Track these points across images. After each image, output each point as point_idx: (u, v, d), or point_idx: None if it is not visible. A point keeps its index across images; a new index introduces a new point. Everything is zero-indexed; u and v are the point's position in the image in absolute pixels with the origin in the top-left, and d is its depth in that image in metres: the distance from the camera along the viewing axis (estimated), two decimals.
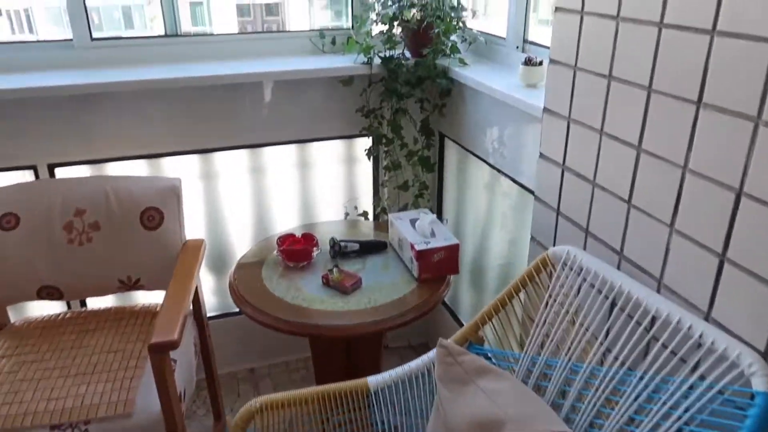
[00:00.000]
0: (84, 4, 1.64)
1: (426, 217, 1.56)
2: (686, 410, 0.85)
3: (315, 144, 1.91)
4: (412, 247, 1.47)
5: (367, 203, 2.04)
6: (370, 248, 1.63)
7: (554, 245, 1.29)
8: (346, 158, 1.97)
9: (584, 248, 1.18)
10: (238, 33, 1.92)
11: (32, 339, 1.54)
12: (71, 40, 1.68)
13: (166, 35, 1.82)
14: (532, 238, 1.37)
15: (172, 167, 1.81)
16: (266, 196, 1.95)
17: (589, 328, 1.03)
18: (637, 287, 0.97)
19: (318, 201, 2.00)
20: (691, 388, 0.85)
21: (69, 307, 1.86)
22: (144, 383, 1.38)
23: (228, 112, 1.75)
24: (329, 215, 2.02)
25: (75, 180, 1.59)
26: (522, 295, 1.19)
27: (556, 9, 1.15)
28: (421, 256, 1.46)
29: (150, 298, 1.78)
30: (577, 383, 1.02)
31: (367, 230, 1.78)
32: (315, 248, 1.58)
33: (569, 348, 1.05)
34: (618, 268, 1.08)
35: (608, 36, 1.03)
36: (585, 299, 1.06)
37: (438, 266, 1.48)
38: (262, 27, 2.30)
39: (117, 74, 1.61)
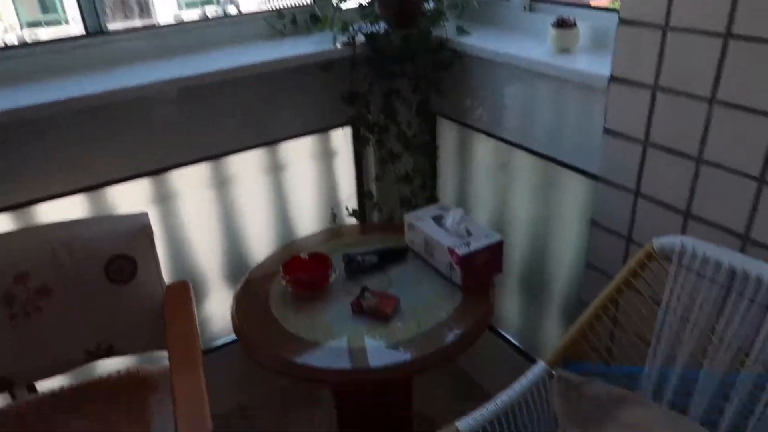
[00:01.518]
0: None
1: (455, 214, 1.35)
2: None
3: (286, 145, 1.62)
4: (452, 252, 1.26)
5: (351, 203, 1.79)
6: (391, 258, 1.39)
7: (631, 232, 1.14)
8: (322, 155, 1.69)
9: (682, 233, 1.03)
10: (178, 24, 1.54)
11: None
12: None
13: (87, 35, 1.42)
14: (595, 224, 1.20)
15: (120, 198, 1.44)
16: (239, 213, 1.64)
17: (736, 335, 0.89)
18: None
19: (298, 208, 1.72)
20: None
21: (13, 398, 1.45)
22: None
23: (181, 122, 1.41)
24: (311, 221, 1.75)
25: (4, 236, 1.20)
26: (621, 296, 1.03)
27: None
28: (465, 261, 1.25)
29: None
30: (736, 397, 0.88)
31: (371, 236, 1.54)
32: (331, 271, 1.32)
33: (714, 356, 0.91)
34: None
35: None
36: (721, 295, 0.91)
37: (483, 269, 1.29)
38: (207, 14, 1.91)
39: (29, 94, 1.21)
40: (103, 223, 1.24)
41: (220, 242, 1.65)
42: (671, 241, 0.96)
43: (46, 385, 1.37)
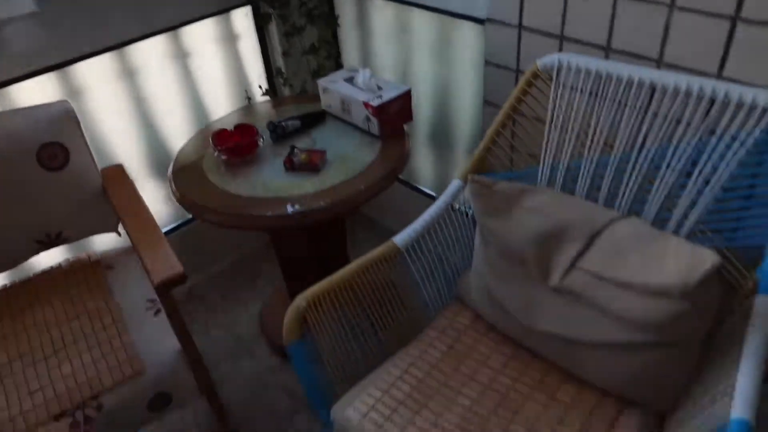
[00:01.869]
0: None
1: (365, 73, 1.47)
2: (714, 168, 0.98)
3: (187, 30, 1.63)
4: (367, 105, 1.40)
5: (262, 82, 1.85)
6: (312, 121, 1.51)
7: (519, 63, 1.32)
8: (227, 38, 1.72)
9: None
10: None
11: None
12: None
13: None
14: (488, 63, 1.38)
15: (24, 96, 1.43)
16: (153, 103, 1.66)
17: (603, 129, 1.10)
18: (644, 71, 1.04)
19: (211, 92, 1.76)
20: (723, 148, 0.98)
21: None
22: (137, 337, 1.20)
23: (71, 11, 1.39)
24: (226, 105, 1.81)
25: None
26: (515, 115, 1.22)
27: None
28: (380, 111, 1.39)
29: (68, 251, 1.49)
30: (608, 175, 1.11)
31: (287, 107, 1.63)
32: (258, 137, 1.42)
33: (590, 148, 1.13)
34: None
35: None
36: (590, 101, 1.12)
37: (396, 118, 1.44)
38: None
39: None
40: (25, 113, 1.26)
41: (140, 134, 1.68)
42: (551, 58, 1.15)
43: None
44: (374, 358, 1.17)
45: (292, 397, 1.60)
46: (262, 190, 1.31)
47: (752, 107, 0.94)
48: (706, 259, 0.89)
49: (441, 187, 1.87)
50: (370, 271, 1.15)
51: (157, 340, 1.19)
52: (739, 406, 0.80)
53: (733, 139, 0.96)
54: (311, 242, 1.57)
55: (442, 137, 1.77)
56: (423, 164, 1.90)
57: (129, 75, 1.59)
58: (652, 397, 0.99)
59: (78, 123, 1.28)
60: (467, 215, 1.27)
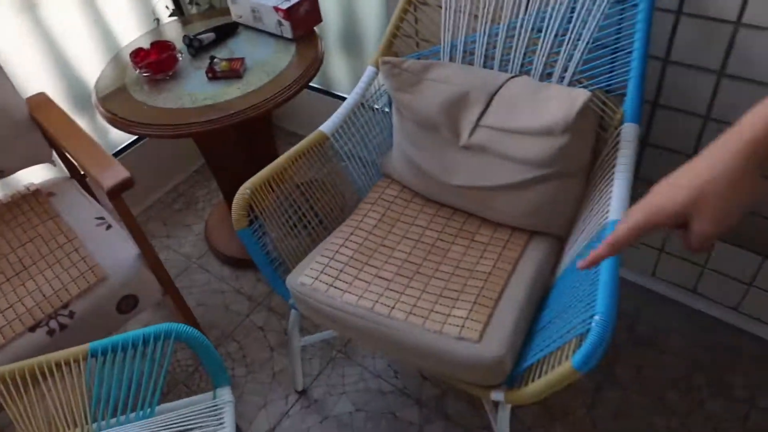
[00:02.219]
0: None
1: None
2: (584, 24, 1.14)
3: None
4: (277, 8, 1.47)
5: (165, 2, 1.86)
6: (226, 33, 1.56)
7: None
8: None
9: None
10: None
11: None
12: None
13: None
14: None
15: None
16: (59, 37, 1.65)
17: (489, 5, 1.24)
18: None
19: (116, 21, 1.76)
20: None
21: None
22: (94, 249, 1.28)
23: None
24: (134, 31, 1.81)
25: None
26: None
27: None
28: (291, 13, 1.47)
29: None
30: (500, 42, 1.25)
31: (198, 24, 1.67)
32: (177, 52, 1.47)
33: (481, 23, 1.26)
34: None
35: None
36: None
37: (306, 19, 1.52)
38: None
39: None
40: None
41: (53, 69, 1.68)
42: None
43: None
44: (318, 237, 1.31)
45: (249, 299, 1.74)
46: (189, 101, 1.38)
47: None
48: (580, 96, 1.06)
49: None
50: (304, 160, 1.27)
51: (115, 249, 1.28)
52: (614, 210, 1.00)
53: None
54: (243, 148, 1.66)
55: (350, 38, 1.86)
56: (335, 69, 2.00)
57: (29, 8, 1.58)
58: (551, 224, 1.19)
59: None
60: (376, 110, 1.39)
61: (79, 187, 1.45)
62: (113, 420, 1.05)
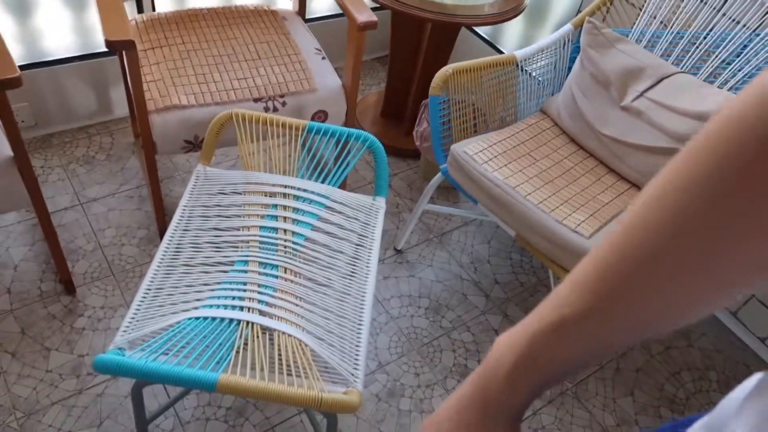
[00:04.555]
0: None
1: None
2: (749, 60, 1.42)
3: None
4: None
5: None
6: None
7: None
8: None
9: None
10: None
11: (174, 32, 1.60)
12: None
13: None
14: None
15: None
16: None
17: (685, 16, 1.52)
18: None
19: None
20: None
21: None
22: (311, 65, 1.60)
23: None
24: None
25: None
26: None
27: None
28: None
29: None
30: (682, 43, 1.54)
31: None
32: None
33: (671, 25, 1.55)
34: None
35: None
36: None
37: None
38: None
39: None
40: None
41: None
42: None
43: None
44: (479, 130, 1.62)
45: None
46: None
47: None
48: None
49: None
50: (491, 70, 1.58)
51: (325, 74, 1.61)
52: None
53: None
54: (431, 51, 1.97)
55: (534, 7, 2.16)
56: (510, 30, 2.30)
57: None
58: None
59: None
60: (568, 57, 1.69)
61: (303, 24, 1.78)
62: (311, 178, 1.37)
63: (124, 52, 1.27)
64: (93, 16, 1.82)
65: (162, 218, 1.65)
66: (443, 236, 1.90)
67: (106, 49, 1.89)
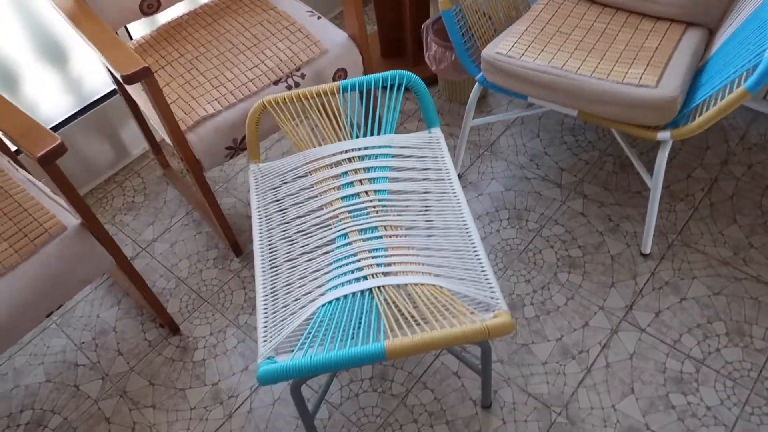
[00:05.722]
0: None
1: None
2: None
3: None
4: None
5: None
6: None
7: None
8: None
9: None
10: None
11: (168, 48, 1.54)
12: None
13: None
14: None
15: None
16: None
17: None
18: None
19: None
20: None
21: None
22: (311, 29, 1.55)
23: None
24: None
25: None
26: None
27: None
28: None
29: None
30: None
31: None
32: None
33: None
34: None
35: None
36: None
37: None
38: None
39: None
40: None
41: None
42: None
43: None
44: (498, 28, 1.56)
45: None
46: None
47: None
48: None
49: None
50: None
51: (329, 32, 1.55)
52: None
53: None
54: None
55: None
56: None
57: None
58: (706, 15, 1.42)
59: None
60: None
61: None
62: (365, 134, 1.34)
63: (142, 83, 1.22)
64: (77, 67, 1.76)
65: (229, 231, 1.64)
66: (492, 147, 1.86)
67: (101, 96, 1.86)
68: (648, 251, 1.56)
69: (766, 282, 1.48)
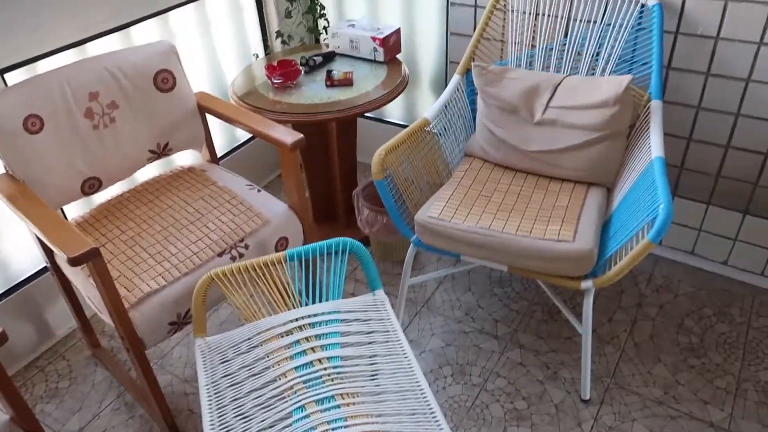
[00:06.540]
0: None
1: (362, 20, 2.01)
2: (615, 42, 1.66)
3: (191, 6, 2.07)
4: (374, 38, 1.94)
5: (259, 49, 2.30)
6: (328, 57, 2.01)
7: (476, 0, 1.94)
8: (232, 8, 2.17)
9: None
10: None
11: (109, 226, 1.55)
12: None
13: None
14: (453, 4, 1.98)
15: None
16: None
17: (546, 31, 1.75)
18: None
19: (226, 62, 2.19)
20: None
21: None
22: (252, 202, 1.62)
23: None
24: (238, 65, 2.24)
25: (71, 66, 1.52)
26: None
27: None
28: (385, 41, 1.94)
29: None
30: (554, 55, 1.76)
31: (298, 54, 2.11)
32: (299, 66, 1.90)
33: (539, 44, 1.77)
34: None
35: None
36: (533, 19, 1.76)
37: (393, 48, 2.00)
38: None
39: None
40: (141, 49, 1.63)
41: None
42: None
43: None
44: (429, 192, 1.71)
45: None
46: (317, 99, 1.80)
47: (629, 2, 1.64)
48: (625, 78, 1.56)
49: (410, 119, 2.45)
50: (413, 139, 1.69)
51: (268, 204, 1.63)
52: (655, 149, 1.47)
53: (620, 26, 1.65)
54: (339, 145, 2.05)
55: (412, 72, 2.35)
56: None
57: (171, 36, 1.99)
58: (604, 176, 1.64)
59: (178, 55, 1.67)
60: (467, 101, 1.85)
61: (222, 168, 1.80)
62: (313, 301, 1.37)
63: (86, 264, 1.22)
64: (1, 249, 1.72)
65: (167, 412, 1.55)
66: (428, 303, 1.94)
67: (27, 276, 1.80)
68: (588, 397, 1.62)
69: (698, 418, 1.56)
